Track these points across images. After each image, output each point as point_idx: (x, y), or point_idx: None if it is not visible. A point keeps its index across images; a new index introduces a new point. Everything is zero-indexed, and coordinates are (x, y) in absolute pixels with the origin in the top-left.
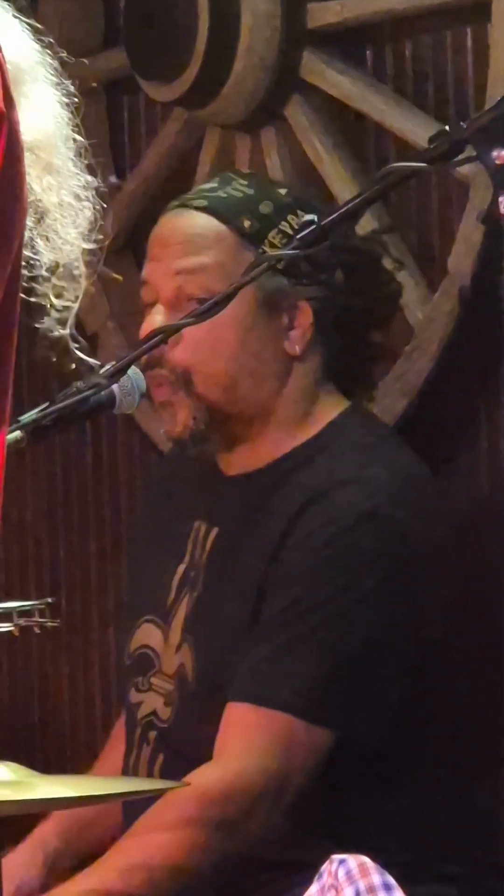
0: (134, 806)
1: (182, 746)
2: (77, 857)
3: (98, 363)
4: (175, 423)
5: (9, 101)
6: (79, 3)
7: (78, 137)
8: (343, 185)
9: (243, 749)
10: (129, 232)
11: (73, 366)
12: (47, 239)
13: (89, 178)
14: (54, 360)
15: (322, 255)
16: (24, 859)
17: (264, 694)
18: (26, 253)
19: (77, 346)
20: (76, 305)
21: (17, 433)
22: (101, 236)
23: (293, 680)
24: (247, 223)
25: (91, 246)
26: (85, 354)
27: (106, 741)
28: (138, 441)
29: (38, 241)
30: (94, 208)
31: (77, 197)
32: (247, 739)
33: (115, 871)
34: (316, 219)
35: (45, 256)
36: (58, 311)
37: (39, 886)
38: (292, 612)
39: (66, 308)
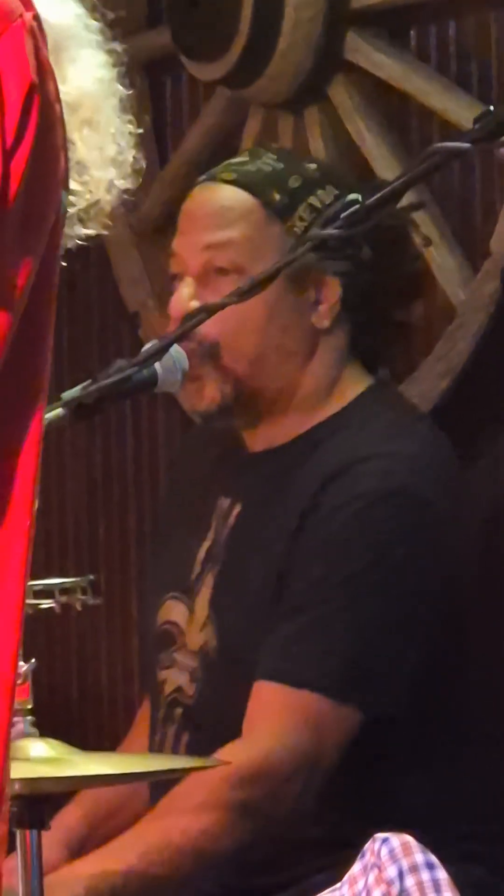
0: (161, 789)
1: (207, 723)
2: (103, 842)
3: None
4: (201, 397)
5: (43, 71)
6: None
7: (121, 89)
8: (386, 166)
9: (272, 730)
10: (171, 211)
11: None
12: (84, 184)
13: (132, 128)
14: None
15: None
16: (48, 844)
17: (292, 673)
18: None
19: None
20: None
21: (59, 410)
22: (139, 179)
23: (321, 659)
24: (276, 196)
25: (129, 185)
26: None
27: None
28: (178, 419)
29: (76, 185)
30: (136, 158)
31: (120, 150)
32: (276, 720)
33: (135, 852)
34: (360, 198)
35: (82, 201)
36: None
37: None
38: (317, 589)
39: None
